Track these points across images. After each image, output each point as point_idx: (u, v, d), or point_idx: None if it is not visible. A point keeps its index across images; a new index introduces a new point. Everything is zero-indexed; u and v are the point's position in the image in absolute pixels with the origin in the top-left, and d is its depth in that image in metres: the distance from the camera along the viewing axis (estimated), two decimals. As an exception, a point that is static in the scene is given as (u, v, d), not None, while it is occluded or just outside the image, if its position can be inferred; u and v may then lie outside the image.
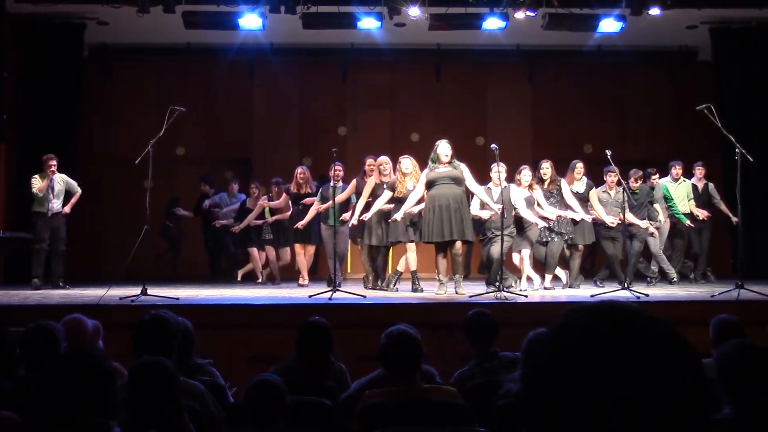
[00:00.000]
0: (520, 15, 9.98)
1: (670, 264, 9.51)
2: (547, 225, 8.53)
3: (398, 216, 7.84)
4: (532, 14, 9.97)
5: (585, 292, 8.41)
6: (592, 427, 0.86)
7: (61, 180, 9.30)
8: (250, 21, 9.90)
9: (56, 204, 9.21)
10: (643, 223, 8.91)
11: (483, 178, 8.39)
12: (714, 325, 4.03)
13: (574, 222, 8.77)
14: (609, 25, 10.14)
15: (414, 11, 9.75)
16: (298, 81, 12.52)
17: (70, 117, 11.05)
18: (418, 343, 3.47)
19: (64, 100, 10.91)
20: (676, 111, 12.12)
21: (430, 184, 7.72)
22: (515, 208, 8.21)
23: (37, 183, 9.13)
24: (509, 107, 12.59)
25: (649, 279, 9.47)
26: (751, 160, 7.71)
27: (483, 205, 8.15)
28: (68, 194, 9.39)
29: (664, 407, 0.85)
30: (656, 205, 9.37)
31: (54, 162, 9.19)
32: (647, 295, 7.33)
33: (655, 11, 9.98)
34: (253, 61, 12.15)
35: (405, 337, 3.46)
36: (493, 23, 10.00)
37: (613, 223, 8.79)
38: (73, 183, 9.42)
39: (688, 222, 9.65)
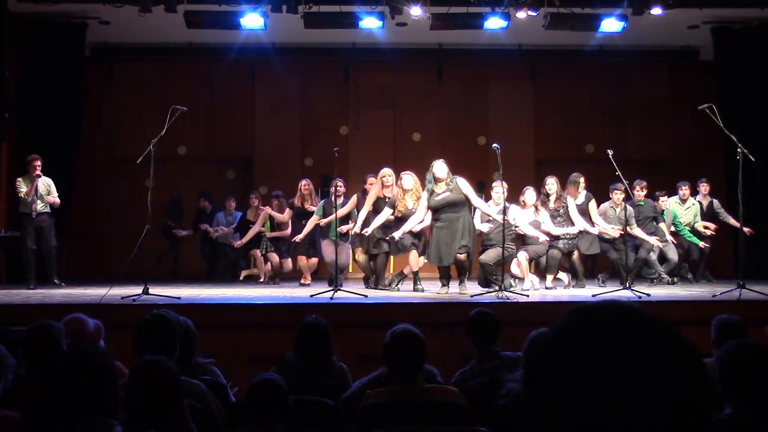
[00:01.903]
0: (521, 15, 9.97)
1: (670, 271, 9.56)
2: (548, 240, 8.53)
3: (397, 235, 7.89)
4: (534, 14, 9.96)
5: (586, 291, 8.40)
6: (593, 427, 0.86)
7: (45, 183, 9.13)
8: (252, 20, 9.90)
9: (40, 205, 9.05)
10: (652, 239, 8.92)
11: (484, 177, 8.40)
12: (715, 325, 4.02)
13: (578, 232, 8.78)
14: (610, 24, 10.13)
15: (416, 11, 9.74)
16: (299, 80, 12.52)
17: (72, 116, 11.05)
18: (423, 343, 3.47)
19: (65, 99, 10.90)
20: (678, 111, 12.11)
21: (431, 210, 7.78)
22: (515, 227, 8.22)
23: (22, 186, 8.99)
24: (511, 107, 12.57)
25: (651, 279, 9.47)
26: (753, 159, 7.71)
27: (482, 219, 8.20)
28: (65, 197, 9.33)
29: (666, 407, 0.85)
30: (662, 225, 9.37)
31: (38, 163, 9.03)
32: (649, 295, 7.32)
33: (656, 11, 9.96)
34: (255, 60, 12.15)
35: (410, 336, 3.47)
36: (494, 23, 10.00)
37: (614, 228, 8.79)
38: (54, 191, 9.22)
39: (702, 243, 9.68)
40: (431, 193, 7.77)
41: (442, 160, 7.90)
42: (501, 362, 4.19)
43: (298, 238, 9.25)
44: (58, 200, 9.24)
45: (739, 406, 2.72)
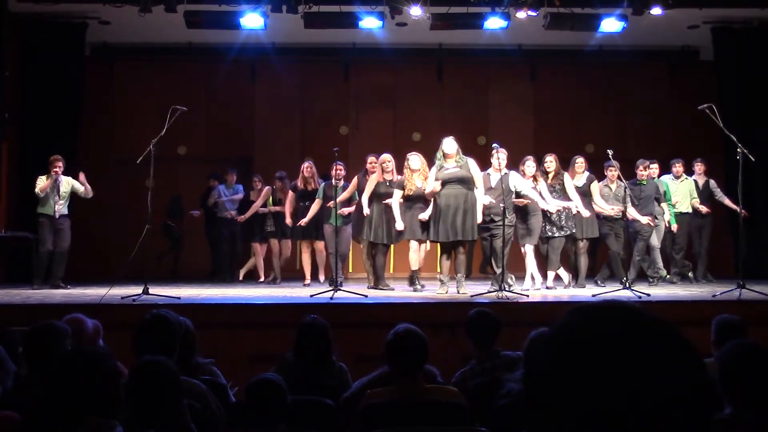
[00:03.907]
0: (521, 14, 9.97)
1: (673, 262, 9.55)
2: (547, 209, 8.47)
3: (424, 216, 7.92)
4: (534, 14, 9.97)
5: (586, 291, 8.41)
6: (593, 427, 0.86)
7: (66, 182, 9.18)
8: (252, 20, 9.90)
9: (61, 206, 9.10)
10: (644, 219, 8.90)
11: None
12: (715, 325, 4.03)
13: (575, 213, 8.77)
14: (610, 24, 10.13)
15: (415, 11, 9.75)
16: (299, 80, 12.52)
17: (72, 116, 11.06)
18: (425, 342, 3.48)
19: (65, 99, 10.92)
20: (678, 111, 12.11)
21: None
22: (513, 193, 8.17)
23: (41, 183, 9.03)
24: (511, 107, 12.58)
25: (651, 279, 9.47)
26: (753, 159, 7.71)
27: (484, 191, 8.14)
28: (74, 196, 9.32)
29: (666, 407, 0.85)
30: (663, 205, 9.37)
31: (60, 163, 9.08)
32: (648, 295, 7.33)
33: (656, 11, 9.97)
34: (255, 60, 12.15)
35: (413, 335, 3.48)
36: (494, 23, 10.00)
37: (613, 209, 8.78)
38: (79, 186, 9.26)
39: (675, 225, 9.63)
40: (440, 168, 7.77)
41: (452, 137, 7.89)
42: (501, 362, 4.19)
43: (303, 222, 9.25)
44: (89, 188, 9.26)
45: (739, 406, 2.72)
